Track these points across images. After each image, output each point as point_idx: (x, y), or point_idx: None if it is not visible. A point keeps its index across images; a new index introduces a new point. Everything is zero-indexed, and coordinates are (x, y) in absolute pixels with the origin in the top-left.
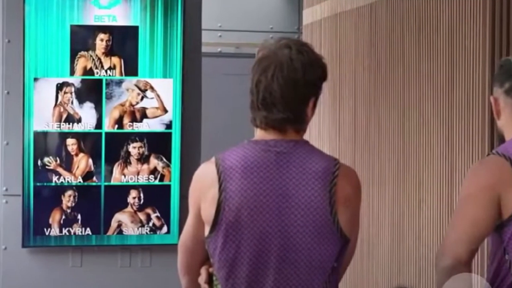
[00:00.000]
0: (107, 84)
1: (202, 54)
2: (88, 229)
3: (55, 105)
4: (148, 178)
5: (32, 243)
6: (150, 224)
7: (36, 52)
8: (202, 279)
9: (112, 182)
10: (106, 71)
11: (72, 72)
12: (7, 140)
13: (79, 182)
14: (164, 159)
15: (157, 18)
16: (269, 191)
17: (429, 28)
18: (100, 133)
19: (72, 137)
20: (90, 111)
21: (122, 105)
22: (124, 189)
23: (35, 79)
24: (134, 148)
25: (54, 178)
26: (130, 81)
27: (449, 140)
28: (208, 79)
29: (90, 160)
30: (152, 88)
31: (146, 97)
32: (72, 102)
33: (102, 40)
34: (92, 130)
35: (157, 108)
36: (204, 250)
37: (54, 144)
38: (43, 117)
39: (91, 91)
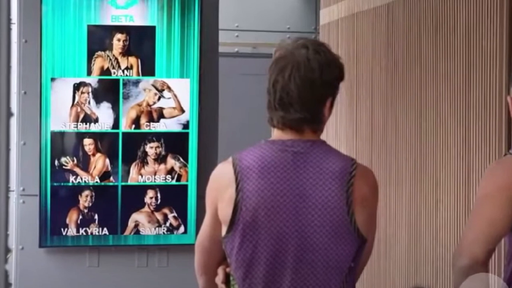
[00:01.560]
0: (124, 84)
1: (219, 54)
2: (105, 229)
3: (72, 105)
4: (165, 178)
5: (49, 243)
6: (167, 224)
7: (53, 52)
8: (219, 279)
9: (129, 182)
10: (123, 71)
11: (89, 72)
12: (24, 140)
13: (96, 182)
14: (181, 159)
15: (174, 18)
16: (286, 191)
17: (446, 28)
18: (117, 133)
19: (89, 137)
20: (107, 111)
21: (139, 105)
22: (141, 189)
23: (52, 79)
24: (151, 148)
25: (71, 178)
26: (147, 81)
27: (466, 140)
28: (225, 79)
29: (107, 160)
30: (169, 88)
31: (163, 97)
32: (89, 102)
33: (119, 40)
34: (109, 130)
35: (174, 108)
36: (221, 250)
37: (71, 144)
38: (60, 117)
39: (108, 91)
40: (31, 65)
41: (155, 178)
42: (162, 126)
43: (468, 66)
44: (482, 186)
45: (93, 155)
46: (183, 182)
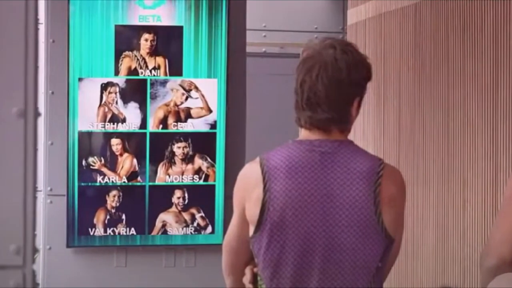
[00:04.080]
0: (152, 84)
1: (247, 54)
2: (132, 229)
3: (100, 105)
4: (193, 178)
5: (76, 243)
6: (195, 224)
7: (81, 52)
8: (246, 279)
9: (157, 182)
10: (150, 71)
11: (116, 72)
12: (52, 140)
13: (124, 182)
14: (209, 159)
15: (201, 18)
16: (314, 191)
17: (473, 28)
18: (145, 133)
19: (116, 137)
20: (134, 111)
21: (167, 105)
22: (169, 189)
23: (80, 79)
24: (178, 148)
25: (99, 178)
26: (174, 81)
27: (493, 140)
28: (253, 79)
29: (135, 160)
30: (196, 88)
31: (191, 97)
32: (116, 102)
33: (146, 40)
34: (137, 130)
35: (201, 108)
36: (248, 250)
37: (98, 144)
38: (88, 117)
39: (136, 91)
40: (59, 65)
41: (182, 178)
42: (189, 126)
43: (495, 66)
44: (510, 186)
45: (121, 155)
46: (210, 182)
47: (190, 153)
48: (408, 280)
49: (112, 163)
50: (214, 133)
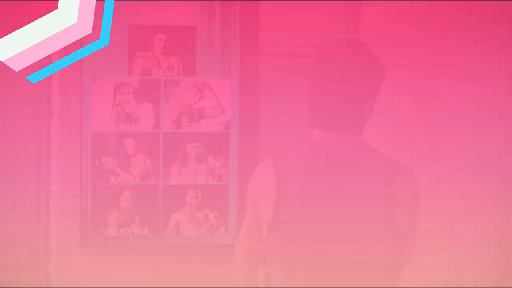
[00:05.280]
0: (165, 84)
1: (260, 54)
2: (146, 229)
3: (113, 105)
4: (206, 178)
5: (89, 243)
6: (208, 224)
7: (94, 52)
8: (260, 279)
9: (170, 182)
10: (164, 71)
11: (130, 72)
12: (65, 140)
13: (137, 182)
14: (222, 159)
15: (214, 17)
16: (327, 192)
17: (487, 28)
18: (158, 133)
19: (130, 137)
20: (148, 111)
21: (180, 105)
22: (182, 189)
23: (93, 79)
24: (192, 148)
25: (112, 178)
26: (188, 81)
27: (507, 139)
28: (266, 79)
29: (148, 160)
30: (210, 88)
31: (204, 97)
32: (130, 102)
33: (160, 40)
34: (150, 130)
35: (215, 108)
36: (262, 249)
37: (111, 144)
38: (101, 117)
39: (149, 91)
40: (72, 65)
41: (196, 178)
42: (203, 126)
43: (509, 65)
44: None
45: (134, 155)
46: (224, 182)
47: (204, 153)
48: (421, 280)
49: (125, 163)
50: (228, 133)
